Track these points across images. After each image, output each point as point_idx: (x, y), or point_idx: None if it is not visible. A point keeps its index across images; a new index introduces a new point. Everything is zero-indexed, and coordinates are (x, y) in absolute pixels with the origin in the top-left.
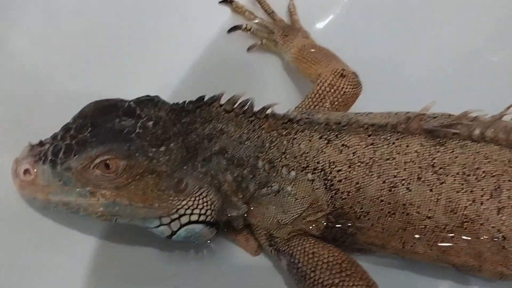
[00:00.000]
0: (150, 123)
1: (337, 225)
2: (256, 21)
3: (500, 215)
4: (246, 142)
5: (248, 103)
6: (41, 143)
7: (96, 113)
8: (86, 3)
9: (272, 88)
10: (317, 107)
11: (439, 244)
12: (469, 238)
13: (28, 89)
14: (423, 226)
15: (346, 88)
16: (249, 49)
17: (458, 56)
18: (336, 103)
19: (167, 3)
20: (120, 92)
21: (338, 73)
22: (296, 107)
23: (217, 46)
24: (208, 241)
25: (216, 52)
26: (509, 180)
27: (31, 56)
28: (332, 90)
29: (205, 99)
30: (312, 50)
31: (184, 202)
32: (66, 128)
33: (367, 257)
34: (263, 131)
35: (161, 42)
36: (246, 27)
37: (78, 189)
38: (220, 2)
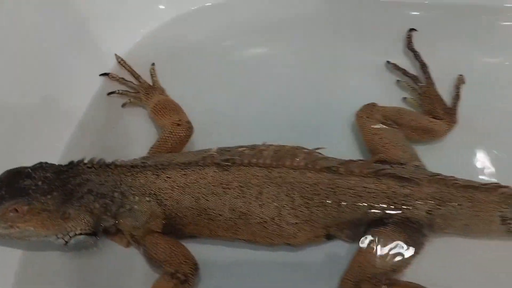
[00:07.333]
0: (40, 182)
1: (169, 224)
2: (127, 84)
3: (261, 209)
4: (105, 183)
5: (102, 161)
6: None
7: (8, 178)
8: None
9: (142, 133)
10: (162, 147)
11: (230, 229)
12: (246, 224)
13: None
14: (218, 220)
15: (180, 133)
16: (123, 105)
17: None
18: (174, 144)
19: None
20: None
21: (175, 123)
22: (150, 148)
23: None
24: (96, 241)
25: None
26: (267, 187)
27: None
28: (171, 136)
29: (74, 162)
30: (163, 105)
31: (70, 224)
32: None
33: (197, 240)
34: (115, 175)
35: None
36: (118, 91)
37: (2, 225)
38: (100, 74)
